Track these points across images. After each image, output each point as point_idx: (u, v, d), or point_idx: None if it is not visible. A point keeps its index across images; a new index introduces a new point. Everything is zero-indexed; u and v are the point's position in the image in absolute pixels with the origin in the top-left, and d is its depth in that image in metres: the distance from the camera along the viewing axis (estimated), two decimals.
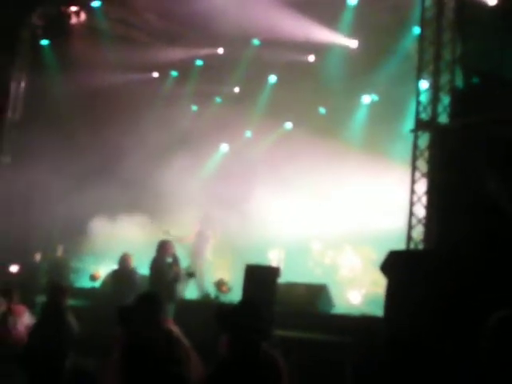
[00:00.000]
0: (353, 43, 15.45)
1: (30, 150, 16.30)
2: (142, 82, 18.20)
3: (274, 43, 15.54)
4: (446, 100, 10.11)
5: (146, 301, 5.96)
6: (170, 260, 11.61)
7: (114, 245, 14.48)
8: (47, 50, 17.98)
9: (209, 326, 9.90)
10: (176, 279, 11.42)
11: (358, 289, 14.62)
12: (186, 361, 5.73)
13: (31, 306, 10.27)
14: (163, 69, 18.65)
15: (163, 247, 11.70)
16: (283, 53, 15.94)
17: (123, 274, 12.40)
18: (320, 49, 15.69)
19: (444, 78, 10.14)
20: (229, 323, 4.78)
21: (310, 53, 16.29)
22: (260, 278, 9.90)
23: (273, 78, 17.53)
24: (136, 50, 17.30)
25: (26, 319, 9.24)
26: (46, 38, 17.94)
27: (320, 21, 14.53)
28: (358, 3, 14.51)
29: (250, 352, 4.66)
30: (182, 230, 14.89)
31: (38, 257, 16.04)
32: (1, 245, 15.48)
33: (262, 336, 4.76)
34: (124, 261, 12.51)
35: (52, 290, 7.95)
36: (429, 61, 10.30)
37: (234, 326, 4.73)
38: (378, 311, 8.88)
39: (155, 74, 19.02)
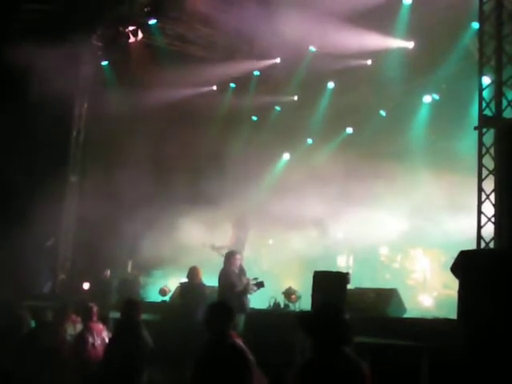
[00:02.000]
0: (409, 44, 15.27)
1: (95, 168, 16.66)
2: (202, 96, 18.40)
3: (330, 50, 15.49)
4: (510, 95, 9.87)
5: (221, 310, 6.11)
6: (236, 271, 11.67)
7: (180, 258, 14.70)
8: (107, 70, 18.38)
9: (281, 334, 10.09)
10: (246, 290, 11.46)
11: (429, 292, 14.39)
12: (247, 374, 5.81)
13: (104, 323, 10.42)
14: (222, 82, 18.81)
15: (230, 259, 11.79)
16: (340, 59, 15.87)
17: (192, 287, 12.49)
18: (377, 52, 15.55)
19: (507, 72, 9.90)
20: (312, 327, 4.80)
21: (367, 57, 16.18)
22: (329, 284, 9.80)
23: (331, 84, 17.48)
24: (193, 65, 17.50)
25: (104, 337, 9.33)
26: (106, 59, 18.35)
27: (376, 26, 14.41)
28: (413, 3, 14.37)
29: (333, 356, 4.67)
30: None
31: (108, 273, 16.32)
32: (74, 263, 15.87)
33: (343, 340, 4.76)
34: (192, 274, 12.60)
35: (126, 305, 8.01)
36: (490, 55, 10.06)
37: (317, 330, 4.76)
38: (451, 314, 8.71)
39: (214, 88, 19.20)
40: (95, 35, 17.72)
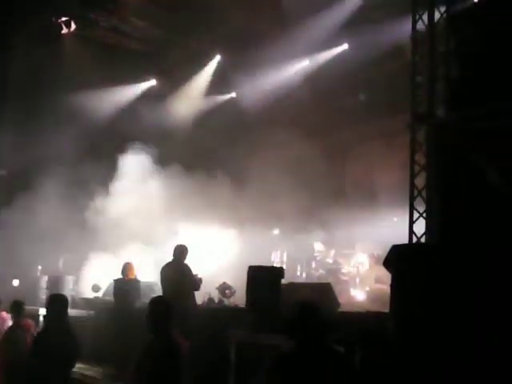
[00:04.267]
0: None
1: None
2: None
3: None
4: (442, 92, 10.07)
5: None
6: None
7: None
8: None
9: (216, 329, 10.05)
10: (198, 286, 11.23)
11: (362, 287, 14.59)
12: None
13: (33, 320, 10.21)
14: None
15: (184, 252, 11.28)
16: None
17: (126, 282, 12.37)
18: None
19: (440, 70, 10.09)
20: (294, 329, 4.99)
21: None
22: (263, 279, 9.81)
23: None
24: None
25: (33, 333, 9.16)
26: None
27: None
28: None
29: (317, 346, 4.90)
30: None
31: (38, 270, 16.03)
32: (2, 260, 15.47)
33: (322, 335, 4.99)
34: (126, 269, 12.49)
35: (49, 300, 7.86)
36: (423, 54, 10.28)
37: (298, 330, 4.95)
38: (383, 308, 8.83)
39: None
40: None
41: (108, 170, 16.54)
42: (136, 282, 12.53)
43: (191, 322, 9.79)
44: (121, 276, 12.52)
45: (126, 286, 12.34)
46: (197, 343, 6.51)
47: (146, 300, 9.81)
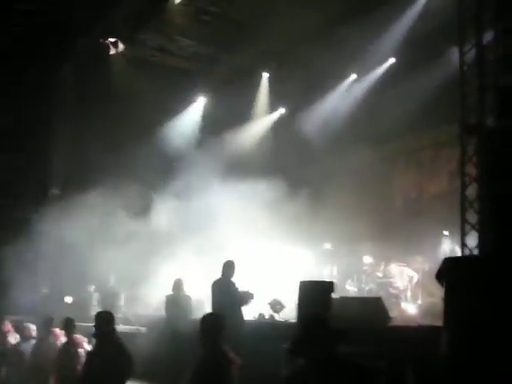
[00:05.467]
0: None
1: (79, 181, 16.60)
2: None
3: None
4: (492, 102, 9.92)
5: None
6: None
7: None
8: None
9: (265, 344, 10.03)
10: (245, 302, 11.28)
11: (413, 300, 14.41)
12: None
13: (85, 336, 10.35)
14: None
15: (232, 267, 11.39)
16: None
17: (177, 298, 12.46)
18: None
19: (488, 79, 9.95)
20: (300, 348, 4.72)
21: None
22: (314, 293, 9.78)
23: None
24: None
25: (86, 349, 9.30)
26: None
27: None
28: None
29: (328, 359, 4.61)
30: None
31: (91, 288, 16.23)
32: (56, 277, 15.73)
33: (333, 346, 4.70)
34: (177, 286, 12.58)
35: (96, 317, 7.96)
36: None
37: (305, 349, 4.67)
38: (435, 321, 8.71)
39: None
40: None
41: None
42: (187, 297, 12.61)
43: (239, 339, 9.80)
44: (172, 292, 12.62)
45: (177, 301, 12.43)
46: (246, 359, 6.51)
47: (197, 316, 9.88)
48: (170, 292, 12.67)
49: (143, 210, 16.55)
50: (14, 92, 16.57)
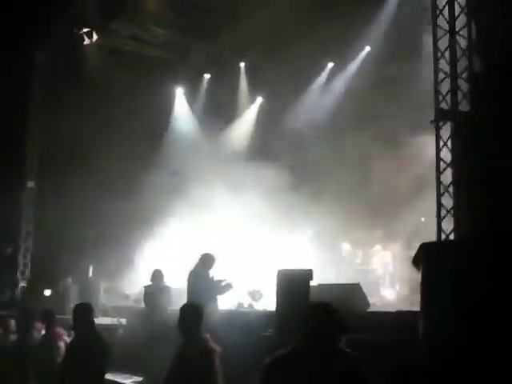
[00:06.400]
0: None
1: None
2: None
3: None
4: (465, 88, 9.97)
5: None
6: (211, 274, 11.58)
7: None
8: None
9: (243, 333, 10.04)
10: (220, 292, 11.39)
11: (391, 286, 14.51)
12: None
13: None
14: None
15: (209, 262, 11.59)
16: None
17: (156, 289, 12.42)
18: None
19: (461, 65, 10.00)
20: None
21: None
22: (292, 282, 9.79)
23: None
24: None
25: (66, 340, 9.25)
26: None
27: None
28: None
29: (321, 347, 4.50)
30: None
31: (69, 280, 16.14)
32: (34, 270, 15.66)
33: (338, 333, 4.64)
34: (156, 276, 12.54)
35: (74, 309, 7.93)
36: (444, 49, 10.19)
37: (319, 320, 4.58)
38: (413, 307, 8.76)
39: None
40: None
41: None
42: (167, 288, 12.57)
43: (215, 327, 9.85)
44: (151, 283, 12.59)
45: (156, 292, 12.41)
46: (225, 348, 6.52)
47: (176, 306, 9.87)
48: (148, 283, 12.64)
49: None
50: None
